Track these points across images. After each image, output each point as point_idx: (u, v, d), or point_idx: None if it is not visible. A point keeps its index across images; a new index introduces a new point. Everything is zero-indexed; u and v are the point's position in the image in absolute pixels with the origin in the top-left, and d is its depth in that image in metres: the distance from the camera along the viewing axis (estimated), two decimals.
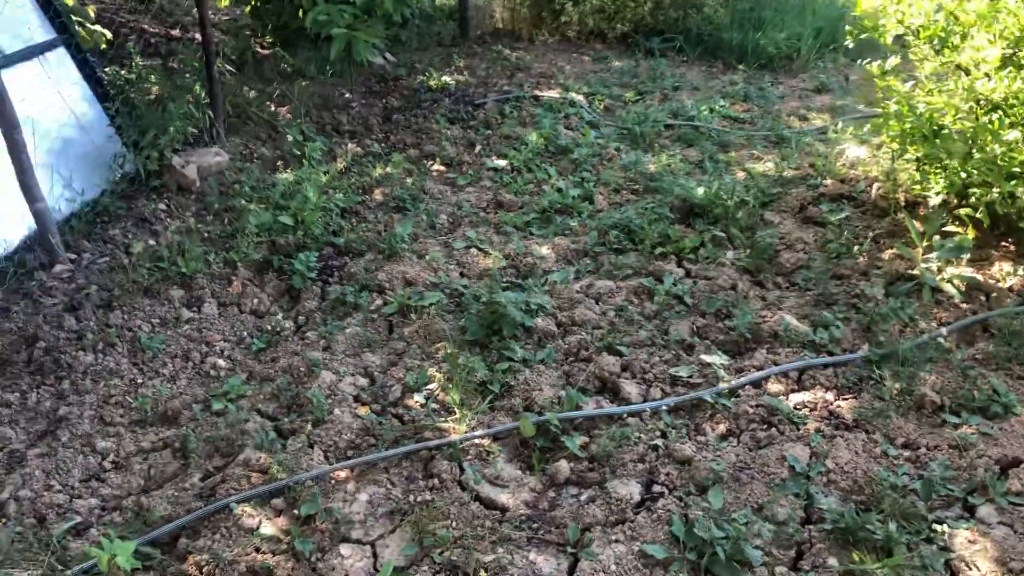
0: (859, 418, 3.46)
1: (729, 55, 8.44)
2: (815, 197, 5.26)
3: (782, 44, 8.26)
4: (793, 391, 3.67)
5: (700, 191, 5.10)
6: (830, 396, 3.61)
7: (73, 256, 4.56)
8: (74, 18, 5.75)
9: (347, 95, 7.10)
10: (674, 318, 4.13)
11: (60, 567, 2.80)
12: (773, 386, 3.68)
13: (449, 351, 3.85)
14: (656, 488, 3.13)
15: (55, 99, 5.03)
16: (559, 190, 5.52)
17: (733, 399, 3.59)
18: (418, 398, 3.64)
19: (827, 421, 3.47)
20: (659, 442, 3.33)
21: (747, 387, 3.67)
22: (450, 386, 3.62)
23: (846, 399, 3.59)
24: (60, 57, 5.17)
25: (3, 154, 4.26)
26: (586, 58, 8.54)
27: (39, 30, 5.05)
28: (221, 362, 3.92)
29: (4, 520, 2.99)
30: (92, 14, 6.73)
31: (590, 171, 5.83)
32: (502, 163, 6.02)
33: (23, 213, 4.48)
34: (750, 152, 6.10)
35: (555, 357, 3.86)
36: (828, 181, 5.39)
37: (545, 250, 4.80)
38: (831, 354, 3.86)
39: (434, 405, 3.58)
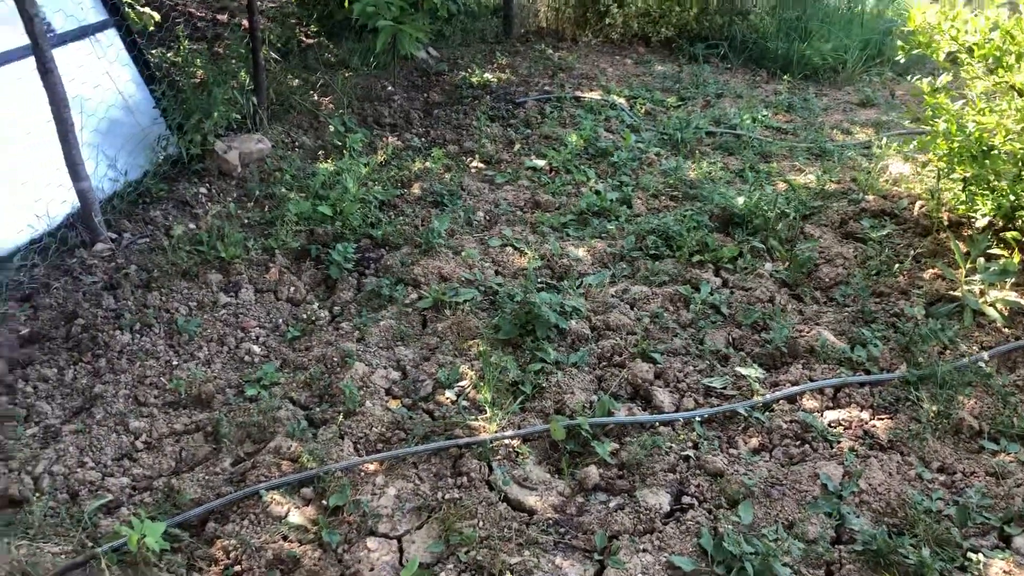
0: (894, 439, 3.41)
1: (773, 64, 8.36)
2: (856, 212, 5.20)
3: (828, 55, 8.16)
4: (828, 408, 3.63)
5: (740, 201, 5.06)
6: (865, 415, 3.57)
7: (114, 235, 4.61)
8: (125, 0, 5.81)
9: (389, 88, 7.11)
10: (710, 328, 4.10)
11: (90, 543, 2.83)
12: (808, 402, 3.64)
13: (482, 349, 3.85)
14: (686, 499, 3.11)
15: (104, 79, 5.08)
16: (597, 192, 5.50)
17: (767, 413, 3.56)
18: (449, 394, 3.64)
19: (861, 440, 3.42)
20: (690, 453, 3.30)
21: (781, 402, 3.63)
22: (482, 384, 3.61)
23: (882, 419, 3.54)
24: (110, 38, 5.22)
25: (51, 131, 4.30)
26: (628, 61, 8.50)
27: (91, 10, 5.10)
28: (256, 348, 3.95)
29: (38, 494, 3.02)
30: None
31: (629, 175, 5.79)
32: (541, 163, 6.01)
33: (67, 190, 4.54)
34: (792, 163, 6.04)
35: (588, 361, 3.84)
36: (870, 197, 5.32)
37: (581, 252, 4.78)
38: (868, 372, 3.81)
39: (465, 402, 3.58)
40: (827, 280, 4.55)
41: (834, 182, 5.60)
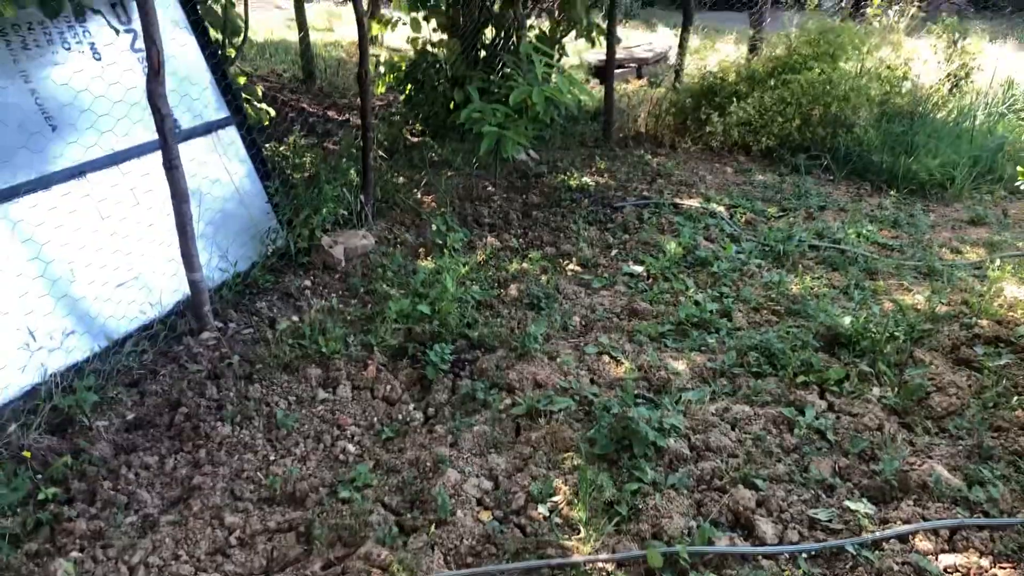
0: None
1: (878, 178, 8.23)
2: (969, 338, 4.97)
3: (935, 171, 7.99)
4: (943, 551, 3.40)
5: (847, 320, 4.91)
6: (985, 563, 3.32)
7: (220, 325, 4.74)
8: (244, 95, 6.13)
9: (490, 188, 7.25)
10: (815, 454, 3.93)
11: None
12: (921, 543, 3.41)
13: (577, 463, 3.76)
14: None
15: (222, 174, 5.33)
16: (696, 303, 5.42)
17: (877, 552, 3.35)
18: (542, 509, 3.55)
19: None
20: None
21: (892, 540, 3.42)
22: (576, 501, 3.52)
23: (1003, 568, 3.29)
24: (231, 135, 5.49)
25: (170, 223, 4.50)
26: (728, 169, 8.49)
27: (215, 109, 5.39)
28: (351, 447, 3.95)
29: None
30: (259, 92, 7.17)
31: (729, 286, 5.71)
32: (638, 269, 5.98)
33: (180, 280, 4.71)
34: (899, 282, 5.86)
35: (687, 483, 3.71)
36: (984, 322, 5.10)
37: (680, 365, 4.69)
38: (987, 515, 3.56)
39: (557, 519, 3.48)
40: (939, 410, 4.33)
41: (944, 304, 5.40)
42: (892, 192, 7.92)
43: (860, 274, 5.95)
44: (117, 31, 4.76)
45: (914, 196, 7.95)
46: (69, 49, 4.53)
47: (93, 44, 4.65)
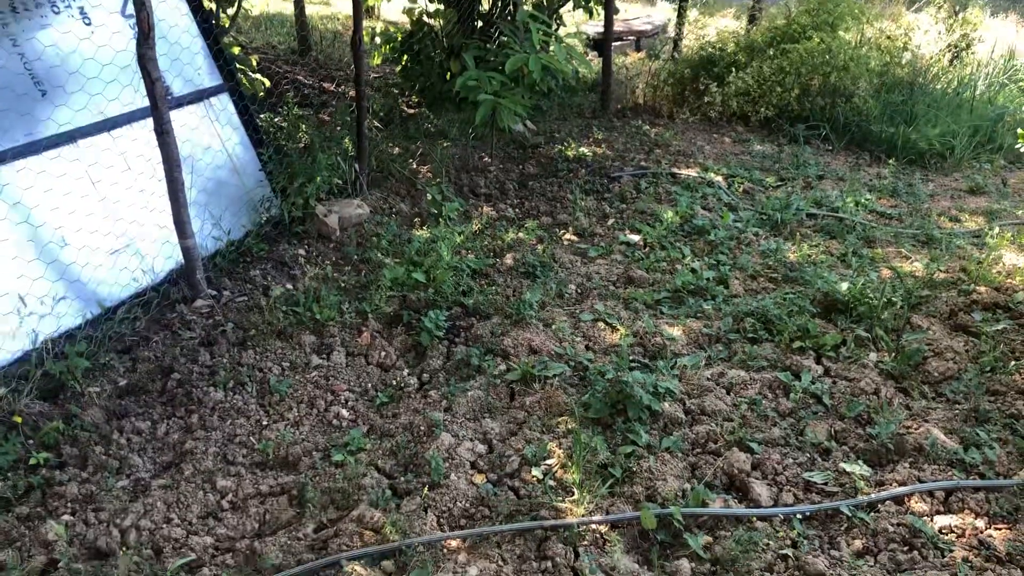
0: (1013, 551, 3.15)
1: (877, 148, 8.18)
2: (967, 304, 4.95)
3: (935, 140, 7.93)
4: (939, 513, 3.38)
5: (844, 286, 4.88)
6: (980, 523, 3.31)
7: (214, 293, 4.71)
8: (238, 66, 6.06)
9: (486, 159, 7.20)
10: (811, 418, 3.91)
11: None
12: (917, 505, 3.40)
13: (572, 427, 3.75)
14: None
15: (214, 141, 5.27)
16: (693, 271, 5.39)
17: (872, 514, 3.34)
18: (536, 472, 3.53)
19: (976, 551, 3.17)
20: (789, 552, 3.11)
21: (887, 503, 3.40)
22: (570, 464, 3.50)
23: (999, 529, 3.28)
24: (223, 102, 5.43)
25: (162, 189, 4.46)
26: (727, 139, 8.43)
27: (207, 76, 5.33)
28: (344, 412, 3.93)
29: (124, 548, 3.03)
30: (254, 63, 7.10)
31: (726, 254, 5.68)
32: (635, 238, 5.95)
33: (173, 247, 4.68)
34: (897, 250, 5.82)
35: (681, 446, 3.70)
36: (982, 288, 5.07)
37: (676, 331, 4.66)
38: (983, 477, 3.55)
39: (551, 482, 3.47)
40: (936, 374, 4.31)
41: (942, 271, 5.36)
42: (891, 162, 7.87)
43: (858, 242, 5.92)
44: None
45: (913, 166, 7.90)
46: (58, 13, 4.47)
47: (82, 8, 4.59)
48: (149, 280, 4.67)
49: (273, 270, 5.06)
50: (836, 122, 8.47)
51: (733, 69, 8.77)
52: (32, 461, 3.41)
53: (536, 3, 8.56)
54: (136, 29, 4.07)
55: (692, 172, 7.18)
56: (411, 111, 8.36)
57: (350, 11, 5.83)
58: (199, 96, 5.25)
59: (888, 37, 9.34)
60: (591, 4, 8.68)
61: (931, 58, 9.74)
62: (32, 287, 4.06)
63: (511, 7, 8.14)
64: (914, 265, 5.51)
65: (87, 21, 4.59)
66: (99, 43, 4.60)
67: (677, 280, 5.23)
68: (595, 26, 12.21)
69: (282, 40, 11.66)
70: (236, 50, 6.78)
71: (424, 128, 7.71)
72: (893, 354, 4.44)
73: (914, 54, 9.56)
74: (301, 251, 5.31)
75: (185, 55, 5.13)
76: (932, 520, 3.32)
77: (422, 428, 3.77)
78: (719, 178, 7.09)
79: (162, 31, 4.92)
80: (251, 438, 3.70)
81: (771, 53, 8.70)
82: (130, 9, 4.79)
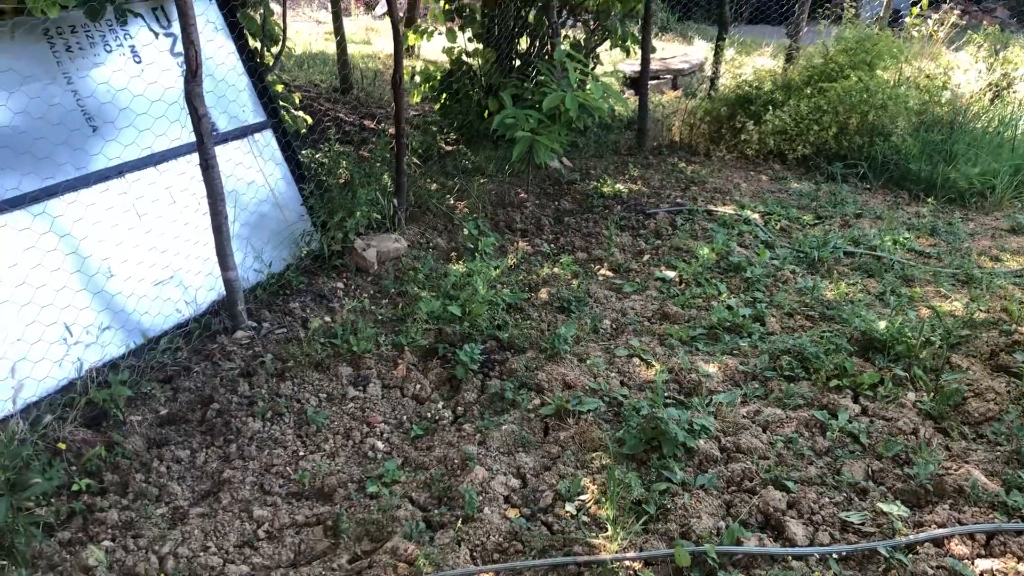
0: None
1: (915, 186, 8.11)
2: (1008, 344, 4.87)
3: (975, 179, 7.85)
4: (979, 556, 3.31)
5: (882, 325, 4.83)
6: (1023, 568, 3.24)
7: (254, 324, 4.79)
8: (282, 103, 6.21)
9: (522, 195, 7.27)
10: (848, 458, 3.86)
11: None
12: (957, 547, 3.34)
13: (606, 463, 3.74)
14: None
15: (257, 176, 5.40)
16: (729, 308, 5.37)
17: (910, 555, 3.28)
18: (569, 508, 3.52)
19: None
20: None
21: (926, 545, 3.35)
22: (604, 500, 3.49)
23: None
24: (267, 139, 5.56)
25: (205, 222, 4.57)
26: (764, 177, 8.42)
27: (251, 113, 5.47)
28: (380, 444, 3.96)
29: (162, 575, 3.07)
30: (297, 100, 7.27)
31: (763, 292, 5.65)
32: (671, 274, 5.95)
33: (215, 279, 4.78)
34: (936, 289, 5.76)
35: (716, 484, 3.67)
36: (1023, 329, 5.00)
37: (711, 368, 4.65)
38: None
39: (585, 518, 3.46)
40: (976, 415, 4.24)
41: (983, 311, 5.29)
42: (930, 200, 7.80)
43: (896, 280, 5.87)
44: (156, 34, 4.86)
45: (952, 205, 7.82)
46: (110, 52, 4.63)
47: (133, 47, 4.75)
48: (191, 311, 4.77)
49: (312, 303, 5.14)
50: (874, 160, 8.42)
51: (770, 107, 8.78)
52: (75, 487, 3.47)
53: (574, 43, 8.67)
54: (184, 67, 4.20)
55: (728, 209, 7.18)
56: (449, 148, 8.48)
57: (391, 50, 5.96)
58: (243, 132, 5.38)
59: (927, 76, 9.30)
60: (628, 43, 8.76)
61: (971, 97, 9.68)
62: (79, 317, 4.17)
63: (548, 47, 8.26)
64: (953, 304, 5.45)
65: (137, 59, 4.75)
66: (149, 80, 4.75)
67: (713, 317, 5.22)
68: (632, 65, 12.33)
69: (324, 78, 11.90)
70: (280, 88, 6.93)
71: (462, 164, 7.82)
72: (932, 394, 4.38)
73: (954, 93, 9.50)
74: (340, 284, 5.39)
75: (231, 92, 5.27)
76: (973, 563, 3.26)
77: (456, 461, 3.79)
78: (756, 215, 7.08)
79: (209, 69, 5.06)
80: (288, 468, 3.74)
81: (808, 92, 8.70)
82: (179, 47, 4.95)
